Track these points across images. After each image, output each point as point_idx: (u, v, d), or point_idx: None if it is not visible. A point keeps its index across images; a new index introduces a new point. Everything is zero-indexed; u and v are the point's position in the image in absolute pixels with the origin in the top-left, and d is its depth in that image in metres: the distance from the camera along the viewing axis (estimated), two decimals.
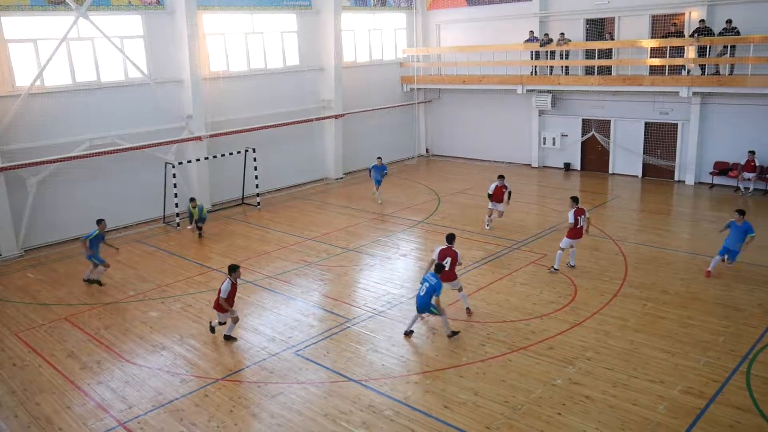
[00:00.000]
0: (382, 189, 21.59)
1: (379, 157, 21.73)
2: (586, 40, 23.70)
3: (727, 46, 20.17)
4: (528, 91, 24.95)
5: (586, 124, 24.54)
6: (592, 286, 13.49)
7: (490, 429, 8.77)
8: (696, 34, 20.25)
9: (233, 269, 11.51)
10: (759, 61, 19.20)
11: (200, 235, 18.34)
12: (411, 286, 13.97)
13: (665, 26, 21.93)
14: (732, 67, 20.30)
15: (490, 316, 12.30)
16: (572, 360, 10.47)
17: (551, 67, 24.29)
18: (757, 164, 20.11)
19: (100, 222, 15.04)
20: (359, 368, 10.56)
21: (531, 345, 11.05)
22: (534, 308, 12.55)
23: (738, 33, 19.77)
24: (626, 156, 23.68)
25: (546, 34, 24.11)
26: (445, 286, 11.73)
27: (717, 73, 20.54)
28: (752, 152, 20.09)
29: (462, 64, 26.74)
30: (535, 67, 24.68)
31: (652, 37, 22.07)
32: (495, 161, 27.35)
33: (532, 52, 24.56)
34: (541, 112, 25.51)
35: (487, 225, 17.82)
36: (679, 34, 21.14)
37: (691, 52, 20.56)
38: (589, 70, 23.39)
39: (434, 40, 28.76)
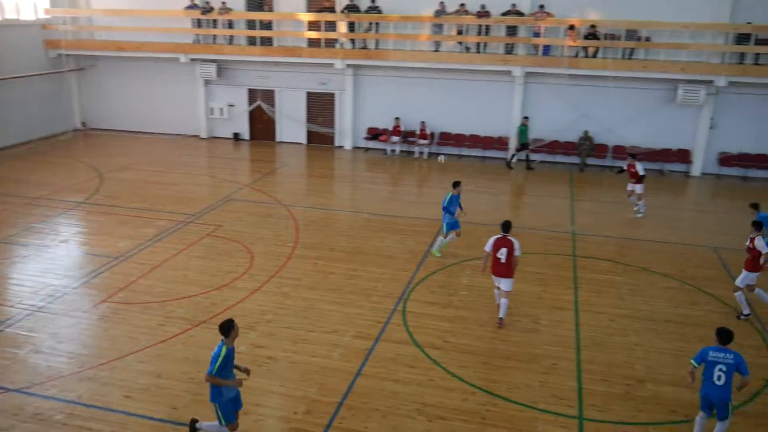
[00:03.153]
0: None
1: (456, 182, 13.75)
2: (247, 10, 23.94)
3: (372, 23, 22.43)
4: (192, 60, 24.29)
5: (253, 94, 24.96)
6: (268, 251, 13.95)
7: (177, 409, 8.54)
8: (346, 11, 22.07)
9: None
10: (399, 37, 21.86)
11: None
12: (75, 275, 12.66)
13: (320, 1, 23.37)
14: (377, 42, 22.66)
15: (167, 294, 11.85)
16: (254, 325, 10.74)
17: (215, 36, 23.99)
18: (402, 129, 22.96)
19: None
20: (19, 375, 9.25)
21: (212, 317, 10.98)
22: (213, 280, 12.48)
23: (380, 11, 22.12)
24: (291, 125, 24.81)
25: (207, 2, 23.64)
26: (498, 282, 10.86)
27: (365, 47, 22.71)
28: (397, 118, 22.85)
29: (117, 29, 24.67)
30: (199, 35, 24.10)
31: (308, 11, 23.31)
32: (162, 133, 26.12)
33: (193, 19, 23.90)
34: (207, 82, 25.09)
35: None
36: (332, 9, 22.77)
37: (342, 27, 22.33)
38: (252, 41, 23.75)
39: (84, 1, 25.94)
